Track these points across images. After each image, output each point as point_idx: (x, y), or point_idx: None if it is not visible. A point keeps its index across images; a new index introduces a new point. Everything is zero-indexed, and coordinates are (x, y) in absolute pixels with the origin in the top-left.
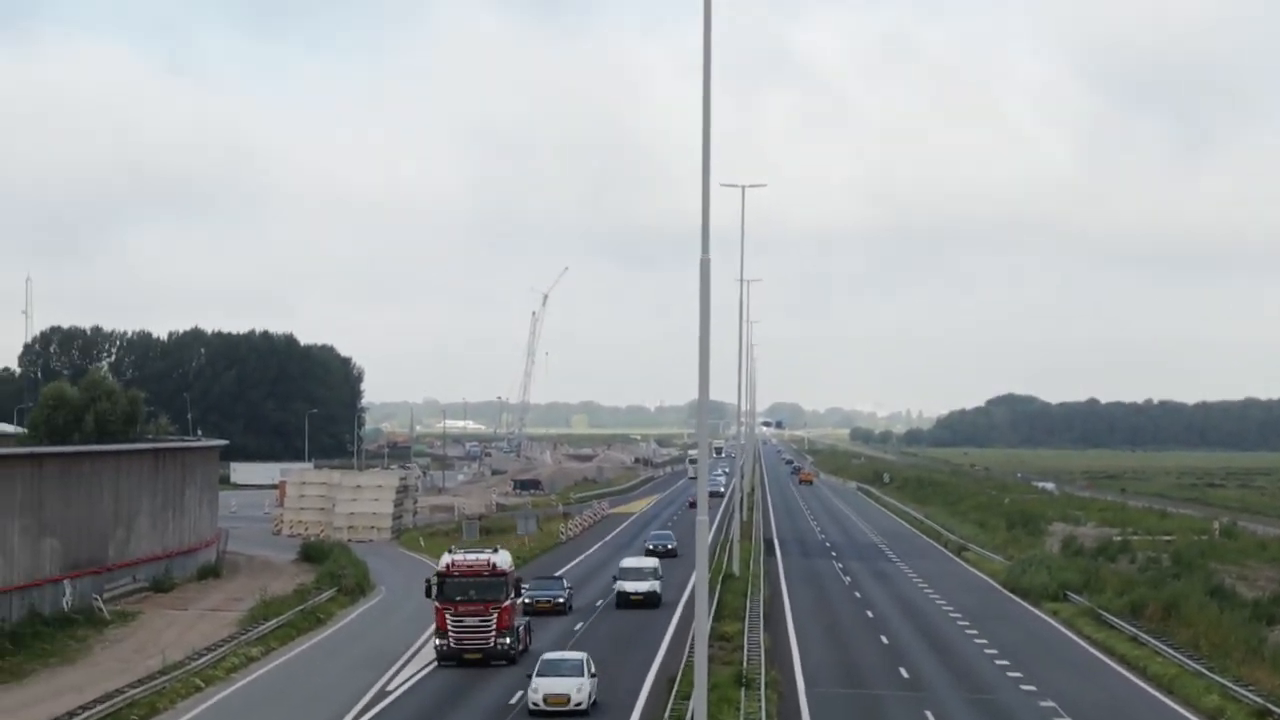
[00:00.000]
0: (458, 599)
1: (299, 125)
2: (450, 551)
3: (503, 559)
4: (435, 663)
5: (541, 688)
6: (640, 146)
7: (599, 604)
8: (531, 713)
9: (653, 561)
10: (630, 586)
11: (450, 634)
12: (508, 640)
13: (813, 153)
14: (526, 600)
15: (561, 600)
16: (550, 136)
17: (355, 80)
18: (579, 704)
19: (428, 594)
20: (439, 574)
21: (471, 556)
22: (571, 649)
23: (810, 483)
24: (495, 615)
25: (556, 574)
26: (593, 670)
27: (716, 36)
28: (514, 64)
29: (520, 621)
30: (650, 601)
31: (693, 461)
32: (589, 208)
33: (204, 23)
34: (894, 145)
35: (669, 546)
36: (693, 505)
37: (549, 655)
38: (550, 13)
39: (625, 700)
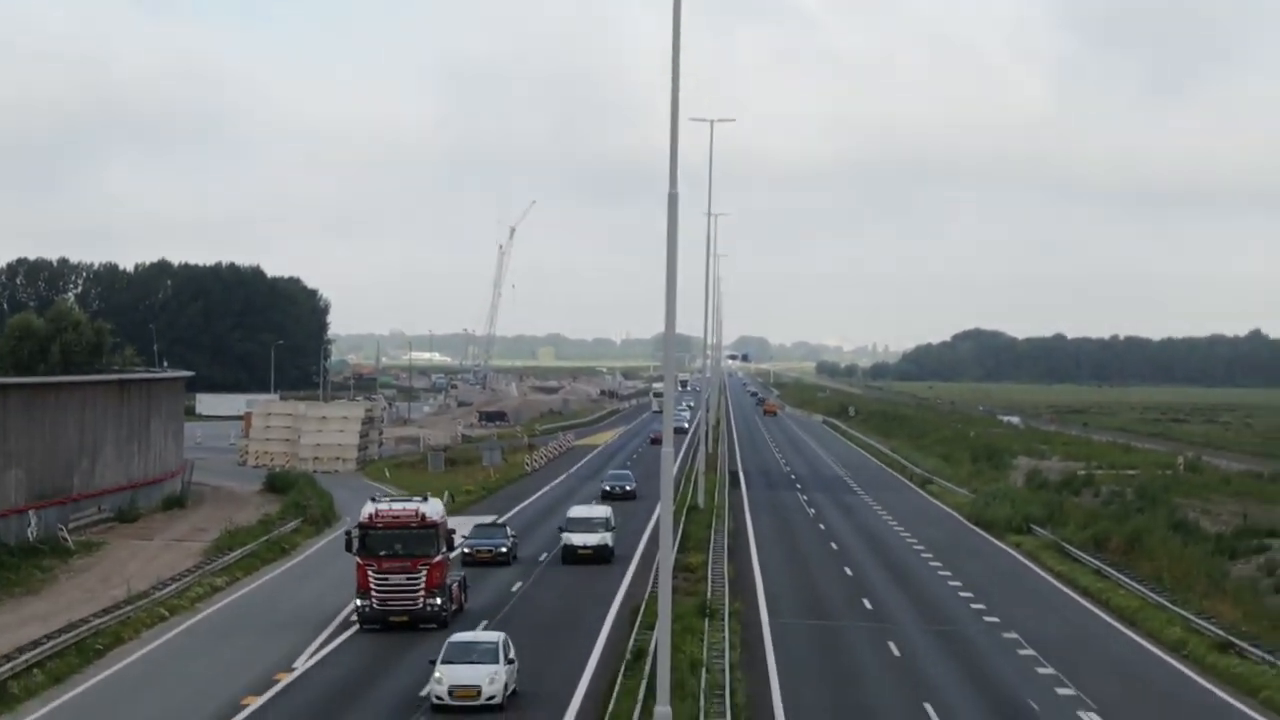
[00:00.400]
0: (382, 554)
1: (270, 58)
2: (373, 500)
3: (433, 508)
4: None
5: (447, 678)
6: (611, 81)
7: (543, 557)
8: (435, 707)
9: (604, 510)
10: (578, 539)
11: (373, 594)
12: (438, 601)
13: (784, 88)
14: (465, 550)
15: (504, 550)
16: (521, 70)
17: (327, 13)
18: (491, 697)
19: (348, 548)
20: (360, 525)
21: (398, 506)
22: (501, 619)
23: (774, 414)
24: (424, 573)
25: (499, 519)
26: (510, 656)
27: None
28: None
29: (454, 578)
30: (600, 556)
31: (657, 395)
32: (559, 142)
33: None
34: (865, 81)
35: (627, 488)
36: (655, 441)
37: (457, 637)
38: None
39: (555, 696)
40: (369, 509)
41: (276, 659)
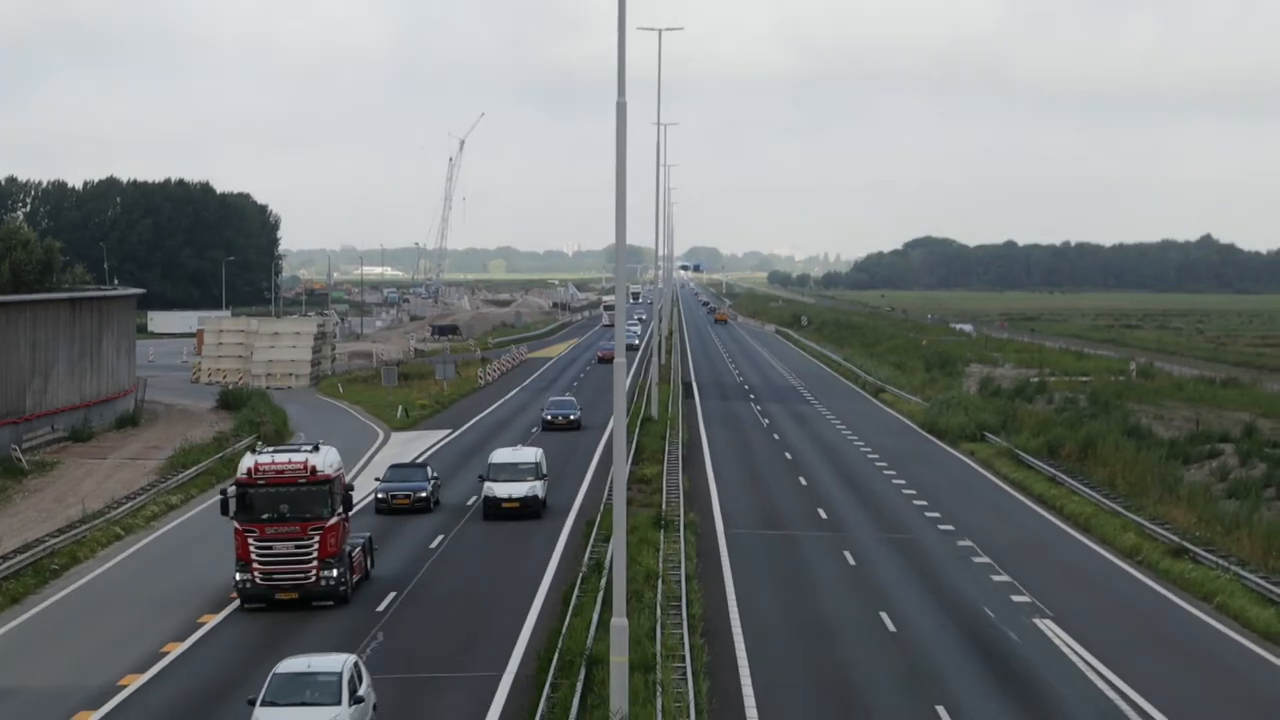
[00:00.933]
0: (264, 518)
1: None
2: (254, 452)
3: (326, 459)
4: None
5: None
6: None
7: (472, 501)
8: None
9: (533, 453)
10: (502, 490)
11: (255, 567)
12: (334, 573)
13: None
14: (380, 496)
15: (424, 495)
16: None
17: None
18: None
19: (224, 510)
20: (238, 483)
21: (282, 458)
22: (409, 594)
23: (725, 322)
24: (317, 540)
25: (418, 459)
26: (360, 692)
27: None
28: None
29: (355, 542)
30: (529, 510)
31: (608, 309)
32: (508, 53)
33: None
34: None
35: (571, 417)
36: (602, 360)
37: (285, 666)
38: None
39: None
40: (248, 461)
41: (231, 575)
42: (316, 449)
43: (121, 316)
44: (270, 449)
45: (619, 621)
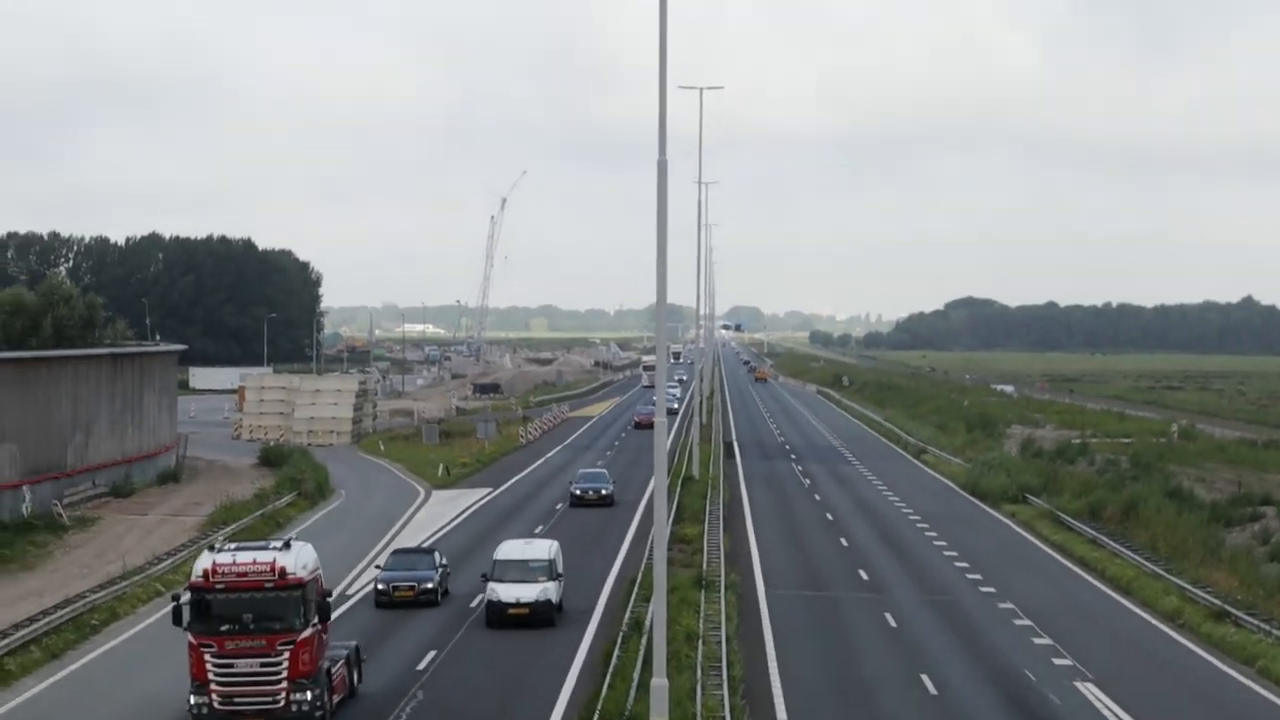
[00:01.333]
0: (224, 629)
1: (260, 25)
2: (212, 550)
3: (299, 559)
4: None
5: None
6: (603, 48)
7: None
8: None
9: (544, 548)
10: (508, 593)
11: (213, 689)
12: (308, 695)
13: (774, 53)
14: (380, 587)
15: (430, 586)
16: (514, 37)
17: None
18: None
19: (176, 620)
20: (192, 587)
21: (245, 557)
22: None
23: (765, 380)
24: (286, 655)
25: (424, 544)
26: None
27: None
28: None
29: (335, 655)
30: (540, 617)
31: (647, 369)
32: (550, 110)
33: None
34: (857, 48)
35: (603, 492)
36: (638, 426)
37: None
38: None
39: None
40: (204, 561)
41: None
42: (287, 546)
43: (163, 372)
44: (233, 546)
45: (659, 682)
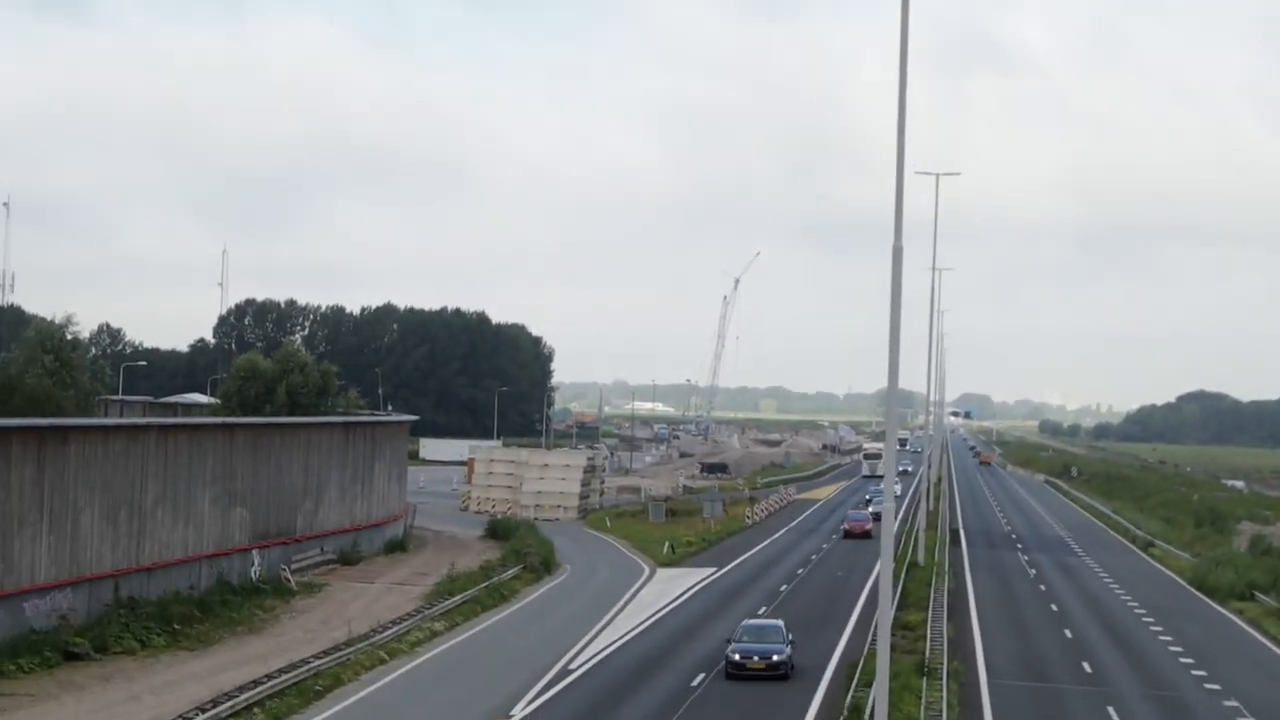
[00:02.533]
0: None
1: (500, 101)
2: None
3: None
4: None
5: None
6: (842, 132)
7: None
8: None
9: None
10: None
11: None
12: None
13: (1015, 139)
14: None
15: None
16: (752, 119)
17: (558, 57)
18: None
19: None
20: None
21: None
22: None
23: (989, 465)
24: None
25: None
26: None
27: (923, 22)
28: (719, 45)
29: None
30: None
31: (868, 458)
32: (787, 192)
33: None
34: (1097, 134)
35: (774, 659)
36: (848, 535)
37: None
38: None
39: None
40: None
41: (494, 705)
42: None
43: (394, 442)
44: None
45: None
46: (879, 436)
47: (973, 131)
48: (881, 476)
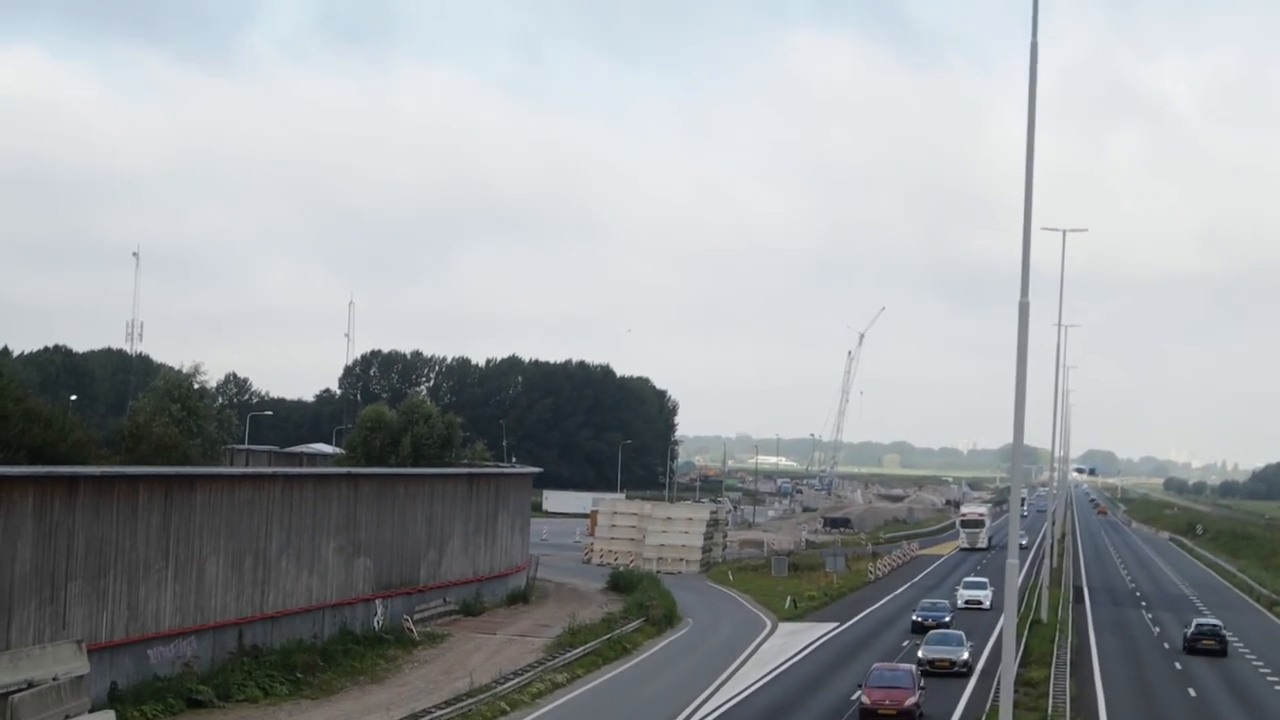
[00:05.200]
0: None
1: (633, 154)
2: None
3: None
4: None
5: None
6: (976, 185)
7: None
8: None
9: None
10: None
11: None
12: None
13: (1151, 192)
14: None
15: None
16: (886, 172)
17: (693, 110)
18: None
19: None
20: None
21: None
22: None
23: (1105, 515)
24: None
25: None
26: None
27: (1062, 74)
28: (853, 97)
29: None
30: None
31: (966, 525)
32: (916, 245)
33: (551, 42)
34: (1233, 187)
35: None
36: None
37: None
38: (896, 49)
39: None
40: None
41: None
42: None
43: (518, 494)
44: None
45: None
46: (1002, 498)
47: (1108, 183)
48: (984, 549)
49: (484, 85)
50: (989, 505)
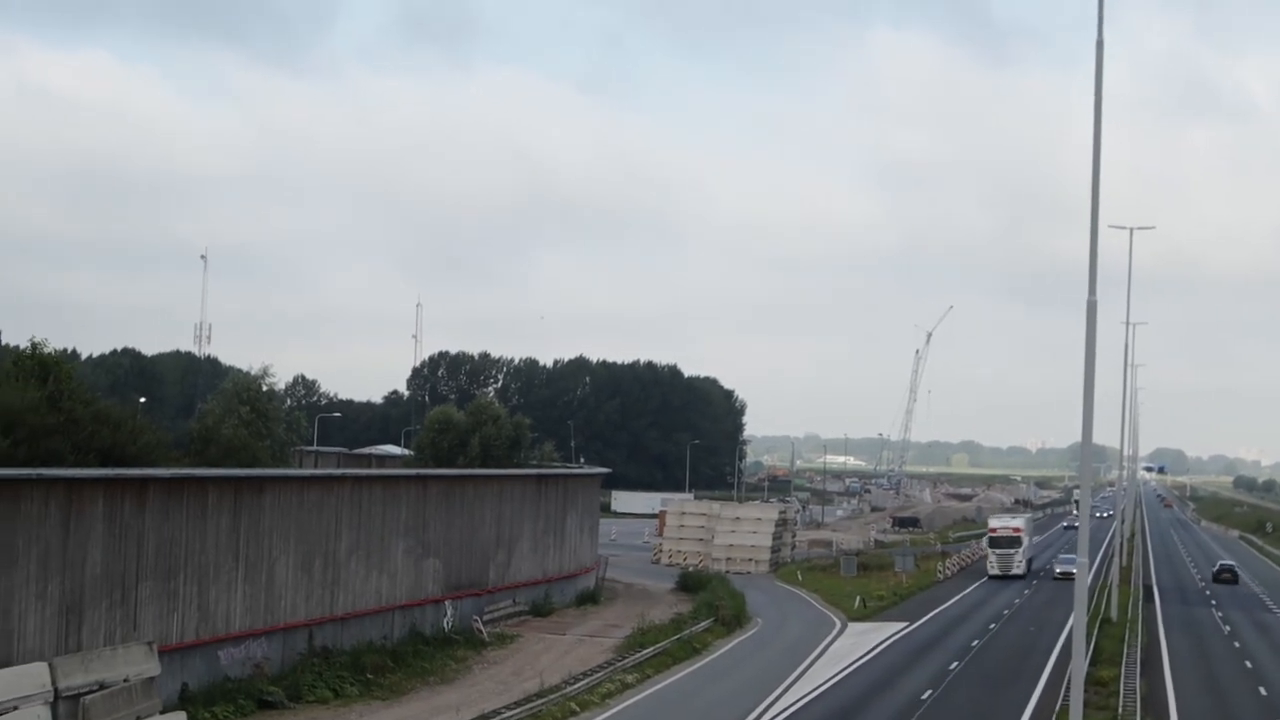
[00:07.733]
0: None
1: (703, 154)
2: None
3: None
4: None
5: None
6: (1051, 184)
7: (952, 666)
8: None
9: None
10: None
11: None
12: None
13: (1231, 190)
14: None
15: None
16: (961, 171)
17: (770, 106)
18: None
19: None
20: None
21: None
22: None
23: (1170, 508)
24: None
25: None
26: None
27: (1143, 73)
28: (929, 96)
29: None
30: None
31: (995, 545)
32: (990, 245)
33: (627, 42)
34: None
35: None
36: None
37: None
38: (975, 47)
39: None
40: None
41: None
42: None
43: (586, 495)
44: None
45: None
46: (1073, 498)
47: (1186, 181)
48: (1018, 576)
49: (558, 85)
50: (1025, 519)
